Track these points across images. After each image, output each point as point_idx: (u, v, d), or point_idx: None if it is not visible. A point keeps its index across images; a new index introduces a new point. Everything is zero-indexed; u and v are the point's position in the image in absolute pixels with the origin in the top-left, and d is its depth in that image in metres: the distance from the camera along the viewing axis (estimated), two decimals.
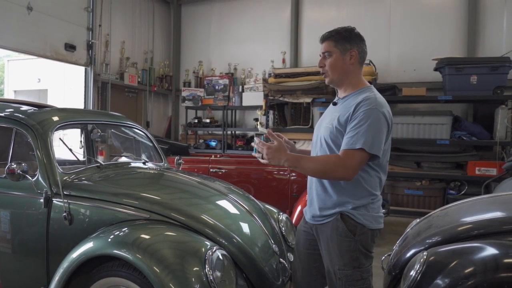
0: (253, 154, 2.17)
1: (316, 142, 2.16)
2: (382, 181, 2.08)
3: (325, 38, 2.11)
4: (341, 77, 2.10)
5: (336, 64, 2.07)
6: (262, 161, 2.06)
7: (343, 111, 2.02)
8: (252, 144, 5.92)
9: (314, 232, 2.15)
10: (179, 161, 3.82)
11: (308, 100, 6.90)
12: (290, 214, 4.60)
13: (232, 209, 2.69)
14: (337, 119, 2.02)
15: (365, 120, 1.92)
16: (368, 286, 2.02)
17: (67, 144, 2.95)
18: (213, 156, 5.63)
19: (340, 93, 2.16)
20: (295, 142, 2.37)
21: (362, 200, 2.00)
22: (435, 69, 6.57)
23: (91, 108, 7.10)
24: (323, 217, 2.05)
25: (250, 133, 8.37)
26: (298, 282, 2.26)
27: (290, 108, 7.61)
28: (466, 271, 1.89)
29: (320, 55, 2.13)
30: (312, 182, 2.15)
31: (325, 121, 2.13)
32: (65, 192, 2.48)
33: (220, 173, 5.17)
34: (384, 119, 1.96)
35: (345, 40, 2.07)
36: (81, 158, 3.35)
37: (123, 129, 3.67)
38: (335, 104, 2.16)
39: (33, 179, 2.53)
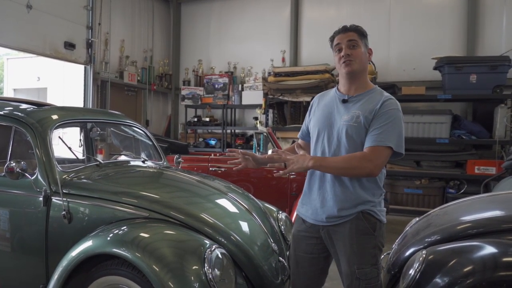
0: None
1: (331, 138, 2.09)
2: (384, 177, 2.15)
3: (350, 29, 2.10)
4: (362, 69, 2.12)
5: (362, 55, 2.09)
6: (278, 173, 2.10)
7: (366, 109, 2.02)
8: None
9: (323, 235, 2.10)
10: (179, 159, 3.81)
11: (308, 99, 6.89)
12: (290, 213, 4.59)
13: (232, 208, 2.69)
14: (363, 117, 2.01)
15: (392, 119, 1.98)
16: (381, 283, 2.06)
17: (67, 143, 2.94)
18: (212, 154, 5.62)
19: (349, 91, 2.12)
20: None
21: (378, 197, 2.06)
22: (435, 68, 6.57)
23: (90, 107, 7.10)
24: (341, 217, 2.02)
25: (250, 132, 8.37)
26: (298, 285, 2.23)
27: (290, 107, 7.62)
28: (465, 269, 1.89)
29: (340, 45, 2.08)
30: (323, 182, 2.09)
31: (342, 118, 2.07)
32: (64, 191, 2.48)
33: (220, 171, 5.16)
34: (402, 120, 2.05)
35: (366, 37, 2.12)
36: (80, 156, 3.35)
37: (122, 127, 3.67)
38: (345, 101, 2.10)
39: (32, 178, 2.53)
